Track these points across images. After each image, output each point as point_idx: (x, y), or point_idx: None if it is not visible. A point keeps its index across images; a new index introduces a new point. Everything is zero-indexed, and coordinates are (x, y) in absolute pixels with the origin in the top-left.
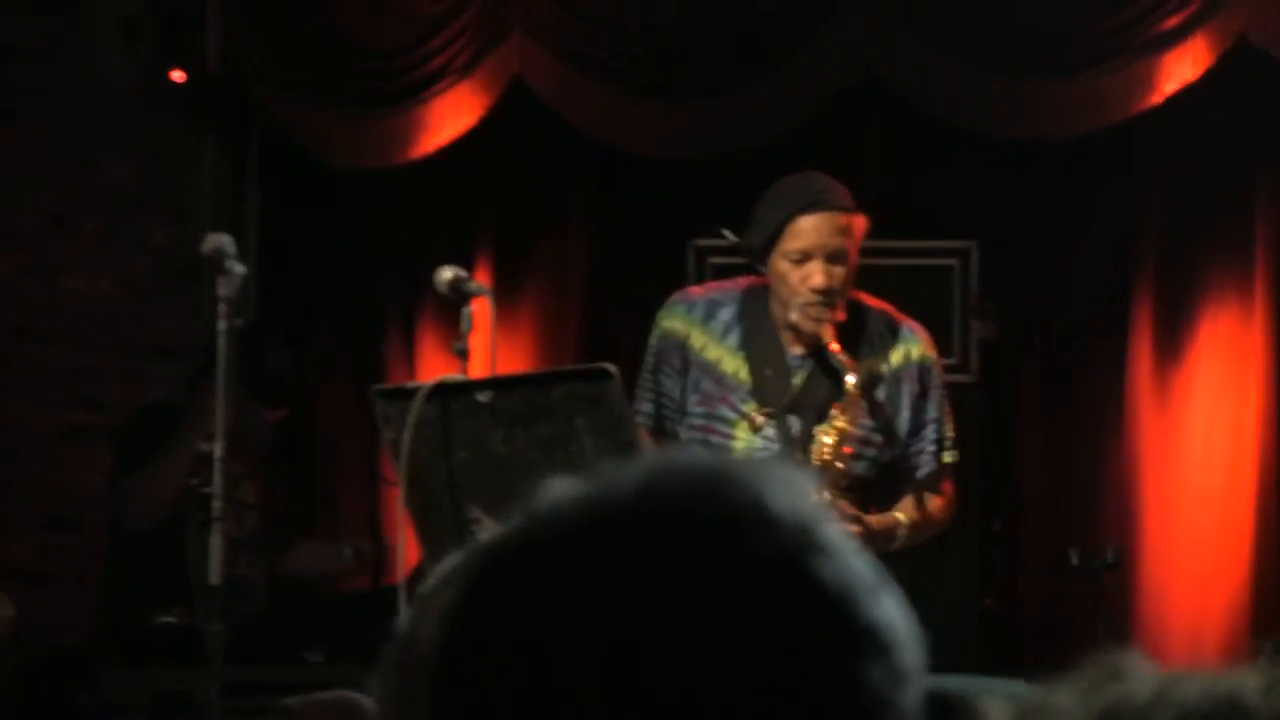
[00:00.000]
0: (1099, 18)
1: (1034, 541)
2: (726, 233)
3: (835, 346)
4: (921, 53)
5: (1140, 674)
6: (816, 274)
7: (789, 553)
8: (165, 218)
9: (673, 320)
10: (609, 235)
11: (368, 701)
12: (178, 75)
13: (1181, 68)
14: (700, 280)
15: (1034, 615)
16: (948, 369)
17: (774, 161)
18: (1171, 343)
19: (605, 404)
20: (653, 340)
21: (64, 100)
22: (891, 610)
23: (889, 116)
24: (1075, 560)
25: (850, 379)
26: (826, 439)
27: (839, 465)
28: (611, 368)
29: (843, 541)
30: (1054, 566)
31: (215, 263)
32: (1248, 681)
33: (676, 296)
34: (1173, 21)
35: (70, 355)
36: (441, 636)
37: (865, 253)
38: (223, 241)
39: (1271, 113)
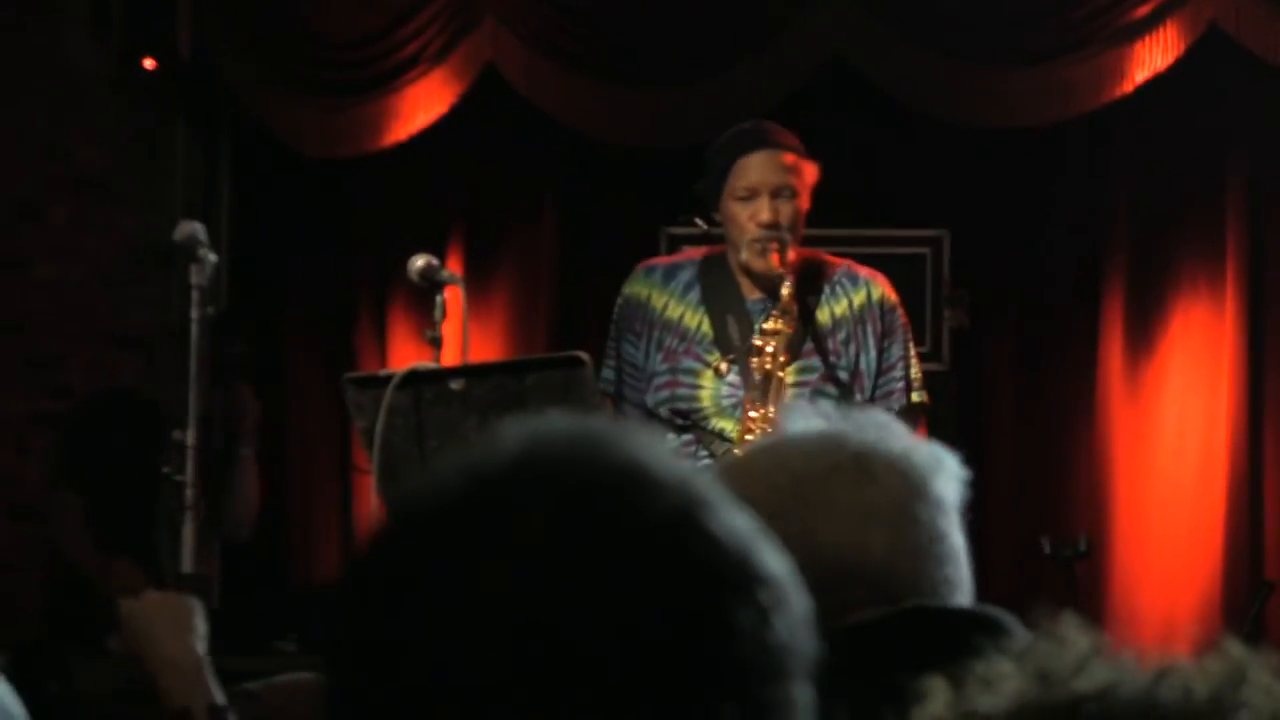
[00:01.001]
0: (1070, 6)
1: (1005, 529)
2: (698, 220)
3: (787, 290)
4: (892, 41)
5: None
6: (763, 210)
7: (677, 512)
8: (136, 206)
9: (634, 286)
10: (581, 223)
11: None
12: (149, 63)
13: (1152, 56)
14: None
15: (1005, 603)
16: (920, 357)
17: None
18: (1143, 332)
19: (578, 392)
20: (616, 309)
21: (34, 88)
22: (777, 560)
23: (860, 105)
24: (1047, 548)
25: (785, 286)
26: (766, 348)
27: (781, 375)
28: (584, 356)
29: (721, 496)
30: (1025, 554)
31: (187, 251)
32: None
33: (638, 266)
34: (1143, 10)
35: (41, 344)
36: (333, 617)
37: (837, 242)
38: (195, 229)
39: (1242, 101)
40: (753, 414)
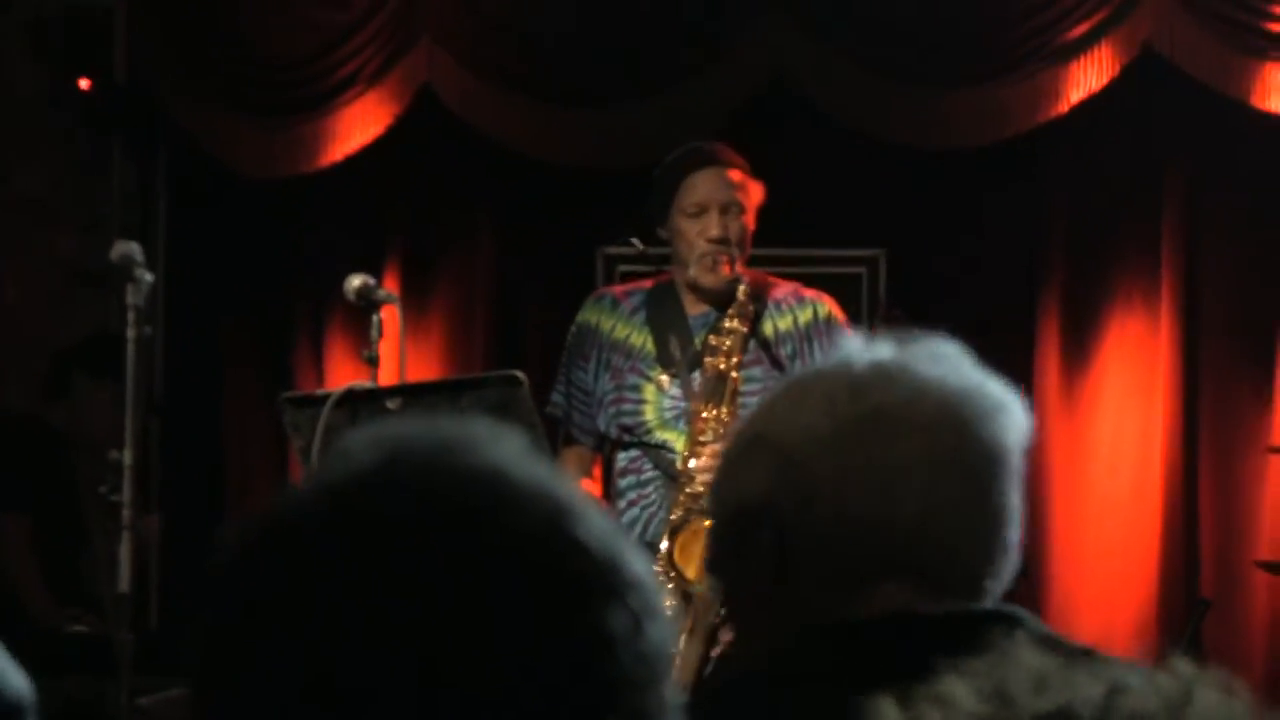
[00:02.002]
0: (1006, 27)
1: None
2: (635, 241)
3: (744, 290)
4: (830, 62)
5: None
6: (712, 225)
7: (544, 522)
8: (73, 226)
9: (586, 314)
10: (517, 243)
11: None
12: (85, 83)
13: (1088, 77)
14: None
15: None
16: None
17: None
18: (1078, 349)
19: (514, 411)
20: (570, 335)
21: None
22: (641, 562)
23: (797, 126)
24: None
25: (742, 286)
26: (721, 346)
27: (735, 375)
28: (521, 375)
29: (583, 500)
30: None
31: (124, 271)
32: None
33: (593, 294)
34: (1079, 30)
35: None
36: (198, 645)
37: (774, 261)
38: (131, 249)
39: (1176, 120)
40: (705, 414)
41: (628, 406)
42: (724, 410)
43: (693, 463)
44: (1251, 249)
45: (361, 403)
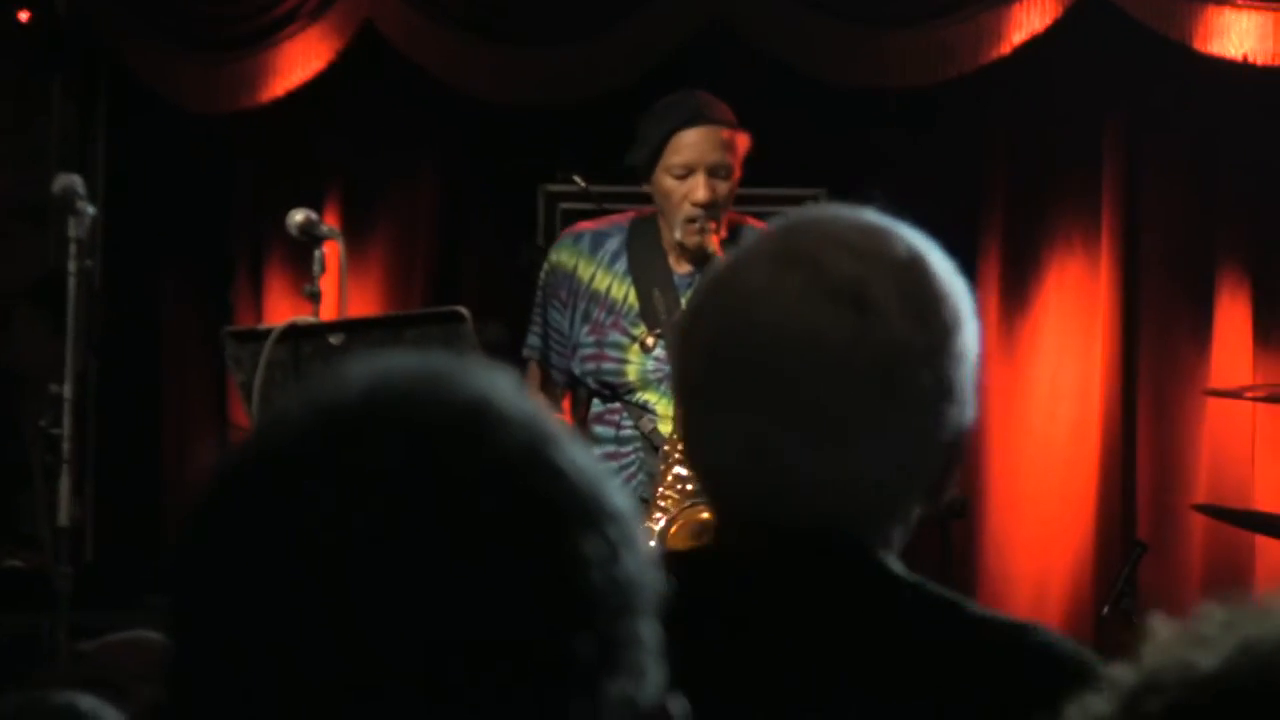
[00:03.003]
0: None
1: None
2: (577, 178)
3: (716, 252)
4: (772, 1)
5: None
6: (699, 188)
7: (524, 446)
8: (11, 160)
9: (560, 254)
10: (459, 179)
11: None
12: (24, 16)
13: (1030, 18)
14: (549, 225)
15: None
16: None
17: (623, 108)
18: (1018, 293)
19: (457, 347)
20: (542, 275)
21: None
22: (623, 497)
23: (737, 65)
24: None
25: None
26: None
27: None
28: (464, 311)
29: (566, 432)
30: None
31: (66, 204)
32: None
33: (565, 231)
34: None
35: None
36: (175, 559)
37: None
38: (73, 182)
39: (1119, 63)
40: None
41: (609, 365)
42: None
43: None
44: (1191, 192)
45: (304, 337)
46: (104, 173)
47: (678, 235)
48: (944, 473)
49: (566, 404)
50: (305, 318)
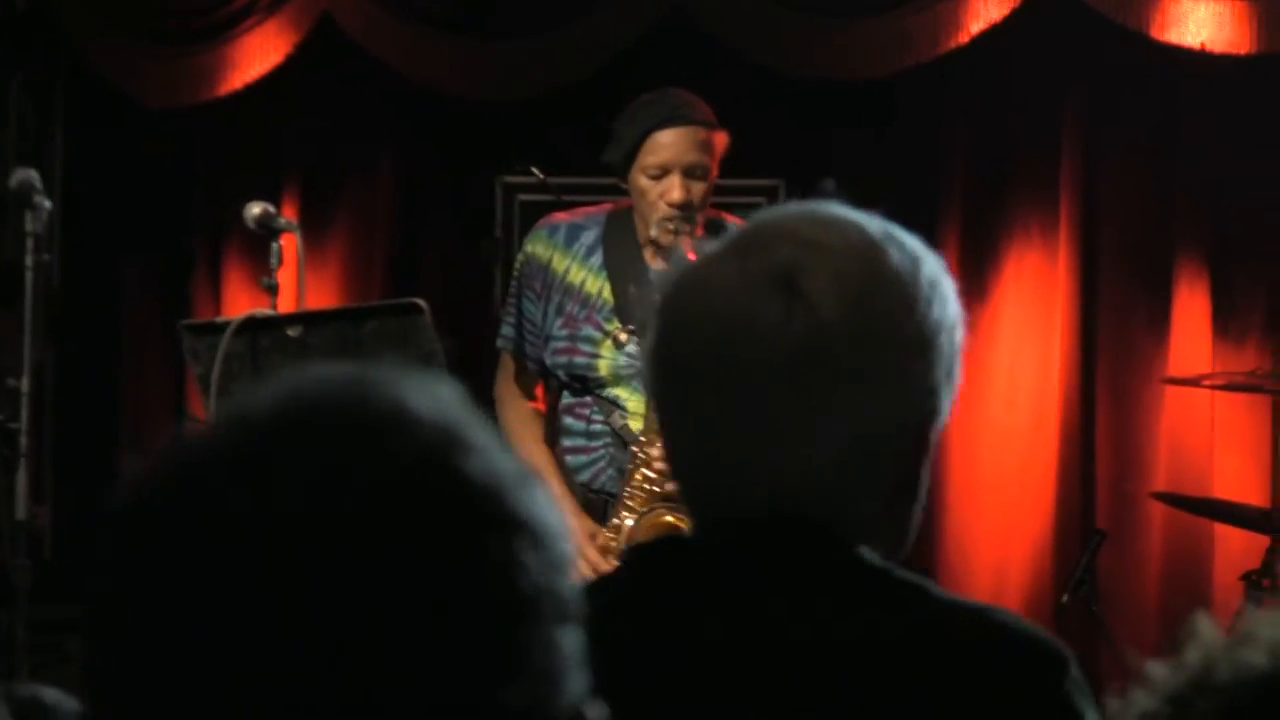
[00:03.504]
0: None
1: None
2: (535, 170)
3: (693, 257)
4: None
5: None
6: (675, 188)
7: (432, 450)
8: None
9: (535, 245)
10: (416, 172)
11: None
12: None
13: (988, 8)
14: (507, 217)
15: None
16: None
17: (584, 100)
18: (976, 280)
19: (415, 339)
20: (516, 265)
21: None
22: (542, 502)
23: (697, 55)
24: None
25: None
26: None
27: None
28: (422, 303)
29: (489, 439)
30: None
31: (23, 198)
32: None
33: (541, 222)
34: None
35: None
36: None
37: None
38: (30, 176)
39: (1076, 52)
40: None
41: (580, 359)
42: None
43: (653, 450)
44: (1149, 182)
45: (262, 330)
46: (62, 167)
47: (653, 234)
48: (910, 460)
49: (541, 393)
50: (263, 310)
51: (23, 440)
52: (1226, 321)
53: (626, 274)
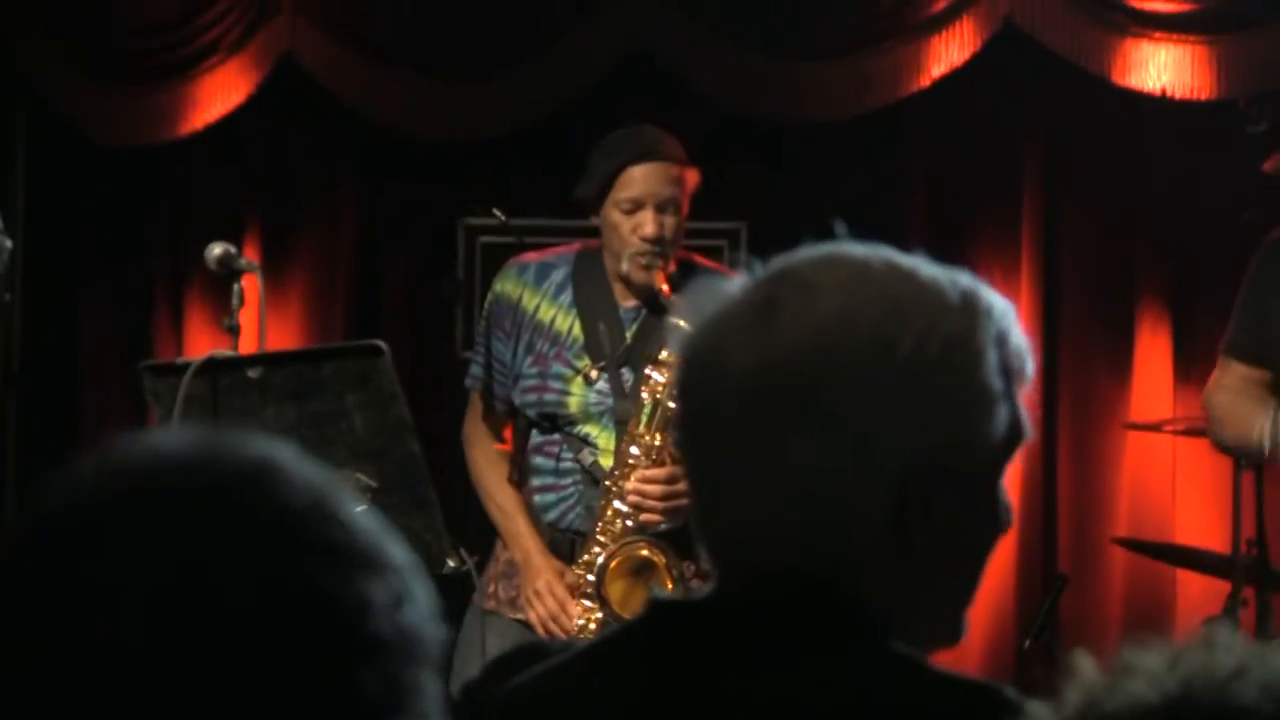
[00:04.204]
0: (868, 1)
1: None
2: (497, 211)
3: (667, 289)
4: (692, 34)
5: (1226, 645)
6: (648, 223)
7: (310, 498)
8: None
9: (505, 283)
10: (378, 213)
11: None
12: None
13: (949, 51)
14: (469, 258)
15: None
16: None
17: (546, 141)
18: None
19: (376, 381)
20: (487, 304)
21: None
22: (403, 553)
23: (659, 97)
24: None
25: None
26: (659, 376)
27: (671, 404)
28: (382, 345)
29: (348, 494)
30: None
31: None
32: None
33: (512, 261)
34: (940, 5)
35: None
36: None
37: None
38: None
39: (1038, 94)
40: (640, 433)
41: (551, 396)
42: (657, 436)
43: (626, 483)
44: (1111, 225)
45: (222, 371)
46: (23, 204)
47: (625, 268)
48: (907, 504)
49: (509, 434)
50: (223, 351)
51: None
52: (1188, 366)
53: (596, 311)
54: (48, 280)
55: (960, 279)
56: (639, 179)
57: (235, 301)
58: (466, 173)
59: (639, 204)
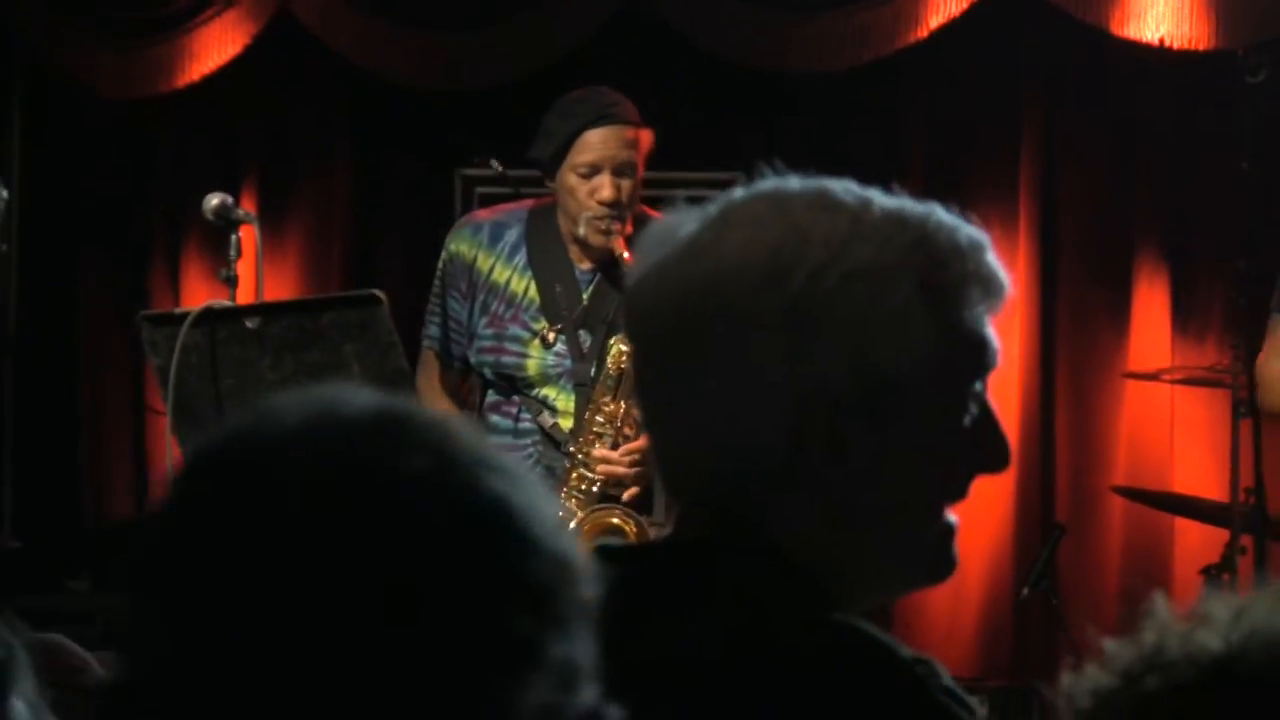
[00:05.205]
0: None
1: None
2: (494, 162)
3: (628, 256)
4: None
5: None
6: (605, 187)
7: (434, 475)
8: None
9: (459, 243)
10: (375, 164)
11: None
12: None
13: (947, 3)
14: (466, 208)
15: None
16: None
17: (540, 91)
18: None
19: (374, 330)
20: (440, 263)
21: None
22: (566, 540)
23: (655, 49)
24: None
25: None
26: (624, 346)
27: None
28: (380, 294)
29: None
30: None
31: None
32: None
33: (463, 220)
34: None
35: None
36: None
37: None
38: None
39: (1036, 44)
40: (604, 403)
41: (508, 359)
42: (620, 404)
43: (592, 450)
44: (1109, 176)
45: (220, 321)
46: (19, 155)
47: (582, 231)
48: (806, 436)
49: (465, 393)
50: (221, 302)
51: None
52: (1186, 316)
53: (552, 273)
54: (45, 231)
55: (918, 210)
56: (596, 143)
57: (233, 253)
58: (462, 123)
59: (596, 168)
